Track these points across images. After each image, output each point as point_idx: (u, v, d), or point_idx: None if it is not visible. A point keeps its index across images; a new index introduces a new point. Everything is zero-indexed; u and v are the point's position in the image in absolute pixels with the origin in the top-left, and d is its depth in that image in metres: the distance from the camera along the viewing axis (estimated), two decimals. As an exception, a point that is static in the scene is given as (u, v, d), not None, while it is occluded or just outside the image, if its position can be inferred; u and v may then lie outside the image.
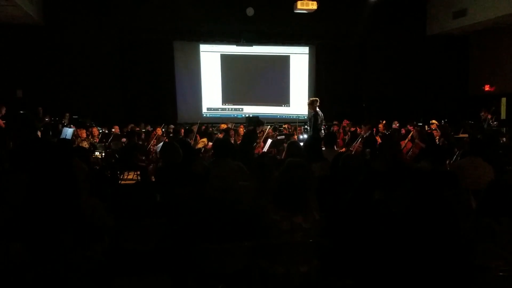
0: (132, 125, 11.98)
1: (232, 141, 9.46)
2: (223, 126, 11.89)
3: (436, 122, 11.70)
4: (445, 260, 2.75)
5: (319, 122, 8.91)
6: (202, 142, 10.76)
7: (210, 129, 12.27)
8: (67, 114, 12.64)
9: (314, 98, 9.00)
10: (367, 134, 9.74)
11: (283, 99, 16.51)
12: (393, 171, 3.78)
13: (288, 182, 3.06)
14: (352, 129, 11.62)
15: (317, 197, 3.43)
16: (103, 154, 10.14)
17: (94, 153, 10.25)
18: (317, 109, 8.92)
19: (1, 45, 13.36)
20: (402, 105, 14.90)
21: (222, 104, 16.20)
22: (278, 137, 10.58)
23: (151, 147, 10.28)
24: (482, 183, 3.56)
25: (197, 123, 12.20)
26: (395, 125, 12.53)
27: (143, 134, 11.01)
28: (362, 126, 10.40)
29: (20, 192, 3.01)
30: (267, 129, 11.50)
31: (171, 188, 4.26)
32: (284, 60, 16.46)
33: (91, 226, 3.12)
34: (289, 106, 16.57)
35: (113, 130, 11.74)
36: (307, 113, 16.21)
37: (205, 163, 3.94)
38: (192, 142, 10.47)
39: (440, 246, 2.77)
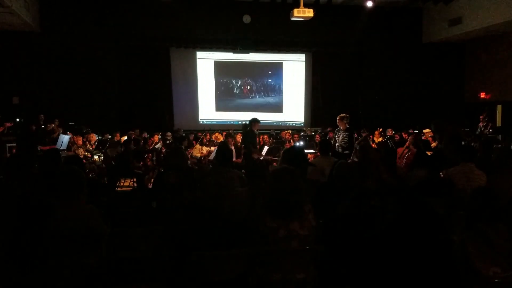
0: (131, 132, 11.99)
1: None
2: (218, 135, 11.89)
3: (430, 131, 11.72)
4: (439, 267, 2.76)
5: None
6: (197, 149, 10.79)
7: (207, 136, 12.24)
8: (56, 120, 12.50)
9: (345, 114, 8.93)
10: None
11: (279, 106, 16.55)
12: (380, 189, 3.82)
13: (278, 190, 3.05)
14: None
15: (315, 204, 3.43)
16: (102, 157, 10.16)
17: (92, 158, 10.29)
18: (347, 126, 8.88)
19: (-2, 51, 13.38)
20: (398, 112, 14.96)
21: (218, 111, 16.22)
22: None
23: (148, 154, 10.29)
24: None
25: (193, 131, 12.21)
26: (389, 132, 12.55)
27: (142, 141, 11.00)
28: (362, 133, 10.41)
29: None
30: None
31: (168, 194, 4.25)
32: (280, 67, 16.51)
33: (88, 233, 3.11)
34: (284, 113, 16.58)
35: (109, 137, 11.72)
36: (302, 120, 16.37)
37: (178, 174, 3.91)
38: (190, 151, 10.50)
39: (432, 255, 2.79)
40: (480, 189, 3.11)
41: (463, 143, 9.41)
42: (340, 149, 8.68)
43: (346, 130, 8.76)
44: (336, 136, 9.01)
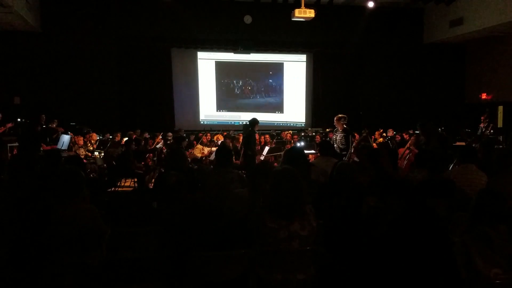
0: (131, 132, 12.00)
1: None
2: (220, 136, 11.89)
3: None
4: (439, 268, 2.76)
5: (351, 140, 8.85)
6: (198, 149, 10.79)
7: (208, 136, 12.22)
8: (55, 121, 12.44)
9: (342, 115, 8.89)
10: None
11: (280, 106, 16.55)
12: (378, 183, 3.80)
13: (279, 191, 3.05)
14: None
15: (315, 204, 3.42)
16: (102, 154, 10.18)
17: (93, 155, 10.31)
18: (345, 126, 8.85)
19: (-1, 51, 13.39)
20: (399, 113, 14.94)
21: (219, 111, 16.22)
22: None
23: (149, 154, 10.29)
24: (476, 191, 3.57)
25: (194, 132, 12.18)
26: (390, 133, 12.54)
27: (143, 141, 11.01)
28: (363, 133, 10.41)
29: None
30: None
31: (168, 195, 4.24)
32: (281, 68, 16.51)
33: (88, 233, 3.11)
34: (285, 113, 16.58)
35: (110, 137, 11.72)
36: (303, 121, 16.36)
37: (179, 174, 3.92)
38: (191, 151, 10.50)
39: (433, 256, 2.78)
40: (486, 191, 3.09)
41: (465, 144, 9.44)
42: (338, 149, 8.69)
43: (343, 131, 8.75)
44: (334, 137, 9.02)
